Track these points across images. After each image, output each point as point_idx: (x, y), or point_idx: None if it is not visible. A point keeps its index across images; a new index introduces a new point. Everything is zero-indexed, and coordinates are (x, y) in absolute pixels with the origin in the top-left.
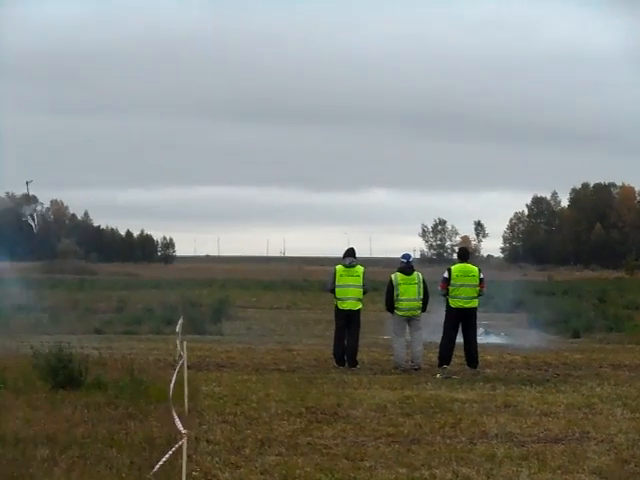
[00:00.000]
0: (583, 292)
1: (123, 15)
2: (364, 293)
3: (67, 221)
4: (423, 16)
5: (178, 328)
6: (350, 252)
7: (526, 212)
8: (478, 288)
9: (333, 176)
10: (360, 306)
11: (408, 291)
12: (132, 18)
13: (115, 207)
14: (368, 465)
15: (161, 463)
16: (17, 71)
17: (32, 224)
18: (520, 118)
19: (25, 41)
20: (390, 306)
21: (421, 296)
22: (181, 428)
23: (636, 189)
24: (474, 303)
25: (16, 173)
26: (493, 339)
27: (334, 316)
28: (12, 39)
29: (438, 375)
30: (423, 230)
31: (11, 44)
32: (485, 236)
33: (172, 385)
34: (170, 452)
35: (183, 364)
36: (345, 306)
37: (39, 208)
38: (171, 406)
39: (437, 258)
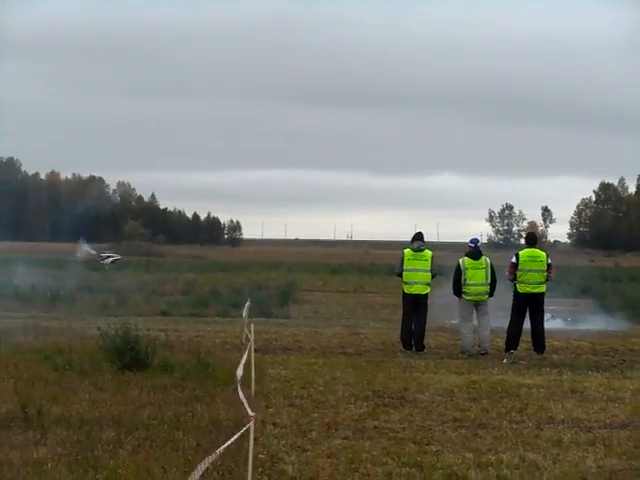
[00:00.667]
0: None
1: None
2: (432, 277)
3: (134, 203)
4: (494, 0)
5: (245, 312)
6: (418, 236)
7: (593, 198)
8: (546, 273)
9: (401, 160)
10: (428, 290)
11: (476, 275)
12: (194, 2)
13: (182, 189)
14: (435, 449)
15: (228, 445)
16: (85, 52)
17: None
18: (588, 103)
19: (94, 22)
20: (458, 290)
21: (489, 281)
22: (249, 411)
23: None
24: (542, 288)
25: (84, 155)
26: (560, 324)
27: (401, 300)
28: (80, 20)
29: (505, 360)
30: (490, 215)
31: (79, 25)
32: (552, 222)
33: (240, 368)
34: (237, 435)
35: (250, 347)
36: (413, 290)
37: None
38: (239, 389)
39: (504, 243)
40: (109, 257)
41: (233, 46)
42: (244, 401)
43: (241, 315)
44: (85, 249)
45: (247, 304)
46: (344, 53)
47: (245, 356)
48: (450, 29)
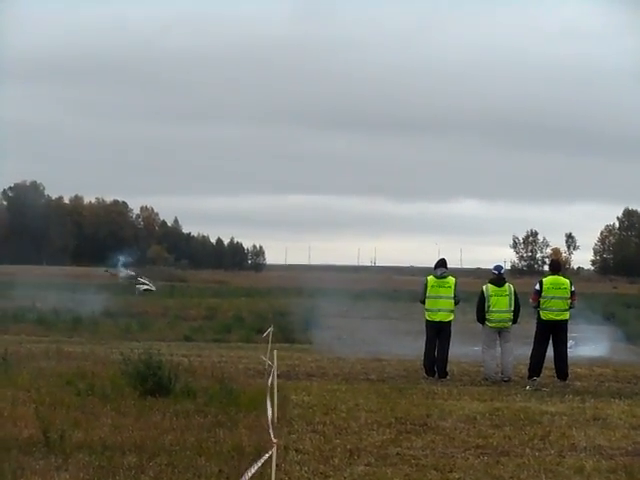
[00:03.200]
0: None
1: (208, 21)
2: (456, 304)
3: (157, 227)
4: (511, 24)
5: (265, 336)
6: (442, 263)
7: (617, 225)
8: (569, 301)
9: (425, 186)
10: (451, 317)
11: (499, 303)
12: (217, 24)
13: (205, 214)
14: (457, 477)
15: (252, 473)
16: (110, 77)
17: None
18: (612, 129)
19: (118, 47)
20: (481, 317)
21: (512, 308)
22: (272, 437)
23: None
24: (565, 316)
25: (107, 179)
26: (583, 352)
27: (425, 327)
28: (105, 44)
29: (528, 387)
30: (514, 241)
31: (103, 49)
32: (576, 248)
33: (268, 396)
34: (260, 461)
35: (273, 373)
36: (436, 317)
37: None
38: (267, 415)
39: (528, 269)
40: (144, 284)
41: (254, 70)
42: (270, 427)
43: (264, 340)
44: (125, 270)
45: (270, 329)
46: (361, 78)
47: (270, 383)
48: (468, 53)
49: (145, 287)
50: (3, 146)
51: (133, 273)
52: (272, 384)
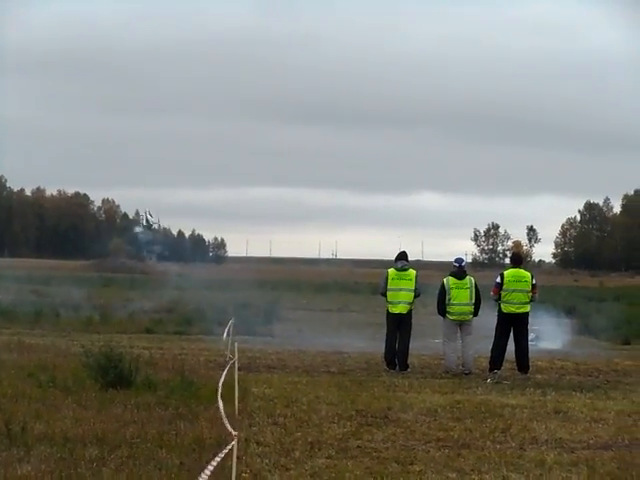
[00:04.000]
0: (634, 299)
1: (174, 15)
2: (416, 297)
3: (118, 220)
4: (475, 17)
5: (226, 330)
6: (402, 255)
7: (578, 218)
8: (530, 294)
9: (386, 179)
10: (409, 309)
11: (460, 295)
12: (184, 18)
13: (166, 206)
14: (418, 469)
15: (213, 465)
16: (70, 69)
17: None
18: (574, 123)
19: (79, 38)
20: (442, 310)
21: (473, 300)
22: (231, 429)
23: None
24: (526, 308)
25: (68, 171)
26: (544, 345)
27: (385, 319)
28: (66, 36)
29: (489, 380)
30: (475, 234)
31: (64, 41)
32: (537, 241)
33: (220, 385)
34: (221, 454)
35: (233, 365)
36: (396, 310)
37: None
38: (220, 407)
39: (489, 262)
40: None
41: (220, 63)
42: (226, 420)
43: (225, 333)
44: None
45: (230, 322)
46: (325, 71)
47: (224, 373)
48: (433, 46)
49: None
50: None
51: None
52: (232, 376)
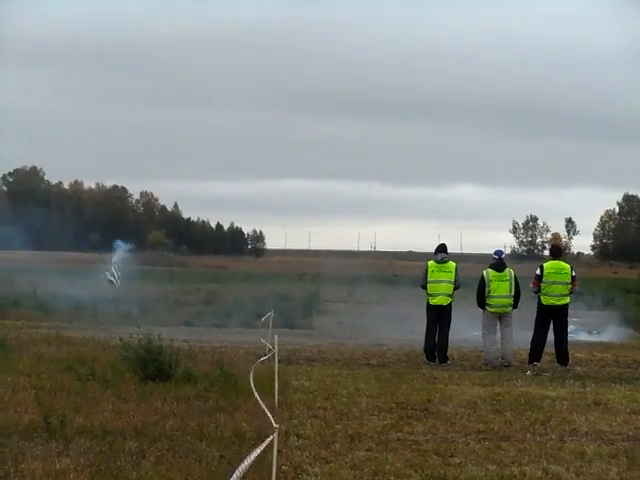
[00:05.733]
0: None
1: (201, 6)
2: (456, 288)
3: (157, 213)
4: (509, 7)
5: (263, 320)
6: (442, 248)
7: (617, 210)
8: (570, 286)
9: (425, 171)
10: (450, 301)
11: (499, 288)
12: (209, 9)
13: (205, 199)
14: (458, 461)
15: (252, 457)
16: (110, 62)
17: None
18: (612, 114)
19: (117, 31)
20: (481, 302)
21: (512, 293)
22: (272, 422)
23: None
24: (565, 300)
25: (107, 164)
26: (584, 337)
27: (425, 311)
28: (104, 29)
29: (528, 372)
30: (514, 226)
31: (102, 34)
32: (576, 233)
33: (251, 374)
34: (261, 447)
35: (272, 357)
36: (435, 301)
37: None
38: (258, 399)
39: (528, 255)
40: (112, 275)
41: (255, 54)
42: (267, 412)
43: (264, 325)
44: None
45: (270, 314)
46: (361, 61)
47: (254, 365)
48: (469, 37)
49: (110, 279)
50: (3, 132)
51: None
52: (272, 369)
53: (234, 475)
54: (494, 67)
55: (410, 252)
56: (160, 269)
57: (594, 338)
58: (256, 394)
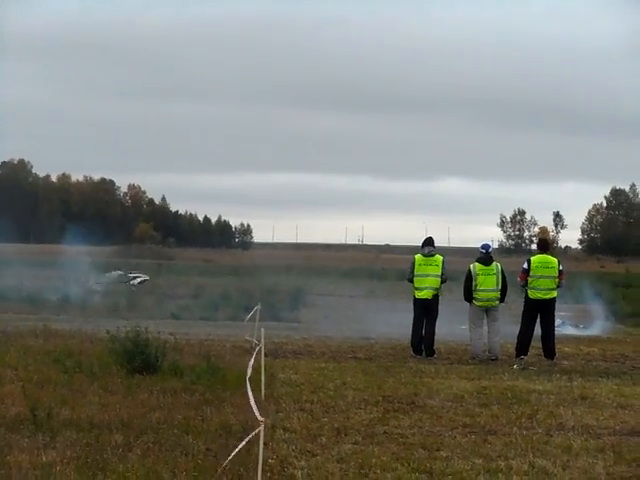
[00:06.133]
0: None
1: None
2: (443, 282)
3: (145, 206)
4: (498, 3)
5: (250, 316)
6: (429, 241)
7: (605, 204)
8: (557, 280)
9: (412, 164)
10: (436, 294)
11: (486, 281)
12: (204, 1)
13: (193, 192)
14: (444, 455)
15: (237, 450)
16: (95, 54)
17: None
18: (600, 109)
19: (103, 23)
20: (468, 296)
21: (499, 287)
22: (258, 415)
23: None
24: (552, 294)
25: (95, 157)
26: (570, 331)
27: (412, 305)
28: (89, 21)
29: (515, 366)
30: (502, 220)
31: (87, 27)
32: (564, 227)
33: (249, 371)
34: (247, 439)
35: (260, 351)
36: (422, 295)
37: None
38: (249, 393)
39: (515, 249)
40: (136, 277)
41: (243, 48)
42: (253, 406)
43: (251, 319)
44: (114, 273)
45: (256, 308)
46: (351, 56)
47: (252, 360)
48: (458, 32)
49: (139, 279)
50: None
51: (121, 272)
52: (258, 362)
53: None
54: (483, 62)
55: (387, 245)
56: (148, 262)
57: (581, 332)
58: (249, 388)
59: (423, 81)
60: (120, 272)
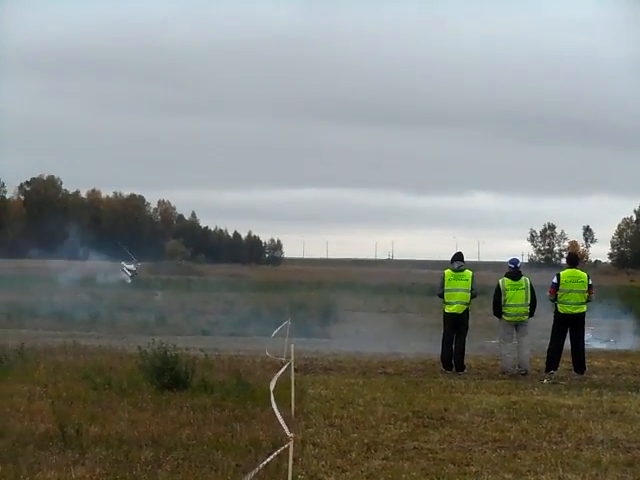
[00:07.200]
0: None
1: (216, 14)
2: (473, 297)
3: (174, 222)
4: (530, 19)
5: (277, 330)
6: (458, 256)
7: (634, 218)
8: (587, 294)
9: (442, 179)
10: (466, 309)
11: (516, 296)
12: (225, 17)
13: (222, 208)
14: (474, 470)
15: (266, 464)
16: (124, 71)
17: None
18: (631, 122)
19: (131, 40)
20: (497, 311)
21: (528, 301)
22: (287, 431)
23: None
24: (582, 309)
25: (125, 173)
26: (600, 345)
27: (442, 320)
28: (117, 38)
29: (545, 380)
30: (531, 235)
31: (116, 43)
32: (594, 241)
33: (272, 385)
34: (275, 454)
35: (289, 366)
36: (452, 310)
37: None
38: (275, 409)
39: (545, 263)
40: (128, 271)
41: (269, 62)
42: (282, 421)
43: (282, 334)
44: (127, 269)
45: (287, 323)
46: (376, 70)
47: (278, 374)
48: (485, 45)
49: (126, 272)
50: (21, 141)
51: (133, 267)
52: (289, 378)
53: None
54: (512, 75)
55: (427, 261)
56: (178, 278)
57: (611, 346)
58: (274, 404)
59: (452, 96)
60: (131, 267)
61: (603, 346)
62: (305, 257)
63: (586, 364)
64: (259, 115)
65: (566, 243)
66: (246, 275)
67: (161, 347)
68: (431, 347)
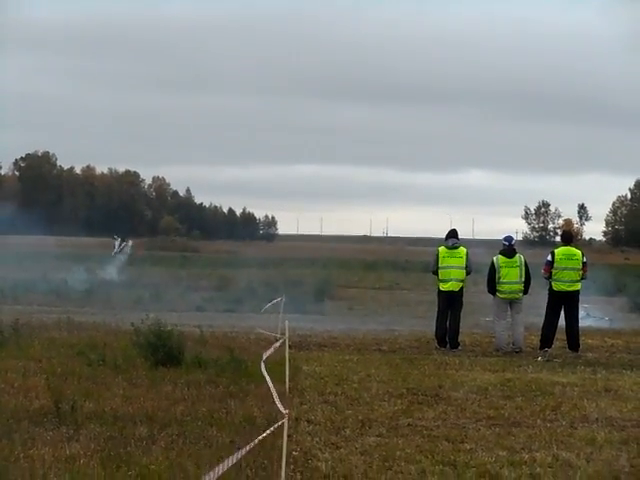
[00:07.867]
0: None
1: None
2: (467, 274)
3: (169, 198)
4: None
5: (268, 306)
6: (453, 233)
7: (629, 196)
8: (581, 272)
9: (437, 156)
10: (461, 287)
11: (510, 274)
12: None
13: (217, 184)
14: (468, 447)
15: (260, 441)
16: (120, 48)
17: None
18: (626, 100)
19: (126, 17)
20: (492, 288)
21: (523, 279)
22: (281, 408)
23: None
24: (577, 286)
25: (119, 149)
26: (595, 323)
27: (436, 297)
28: (112, 15)
29: (539, 358)
30: (526, 212)
31: (110, 20)
32: (588, 219)
33: (264, 359)
34: (269, 431)
35: (284, 343)
36: (447, 287)
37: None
38: (270, 385)
39: (539, 240)
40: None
41: (266, 40)
42: (276, 398)
43: (276, 311)
44: (121, 245)
45: (281, 299)
46: (372, 47)
47: (271, 350)
48: (481, 23)
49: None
50: (16, 117)
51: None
52: (283, 354)
53: (235, 456)
54: (507, 53)
55: (421, 238)
56: (172, 254)
57: (605, 324)
58: (268, 380)
59: (448, 73)
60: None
61: (597, 324)
62: (300, 233)
63: (580, 342)
64: (255, 92)
65: (560, 221)
66: (240, 251)
67: (155, 323)
68: (425, 324)
